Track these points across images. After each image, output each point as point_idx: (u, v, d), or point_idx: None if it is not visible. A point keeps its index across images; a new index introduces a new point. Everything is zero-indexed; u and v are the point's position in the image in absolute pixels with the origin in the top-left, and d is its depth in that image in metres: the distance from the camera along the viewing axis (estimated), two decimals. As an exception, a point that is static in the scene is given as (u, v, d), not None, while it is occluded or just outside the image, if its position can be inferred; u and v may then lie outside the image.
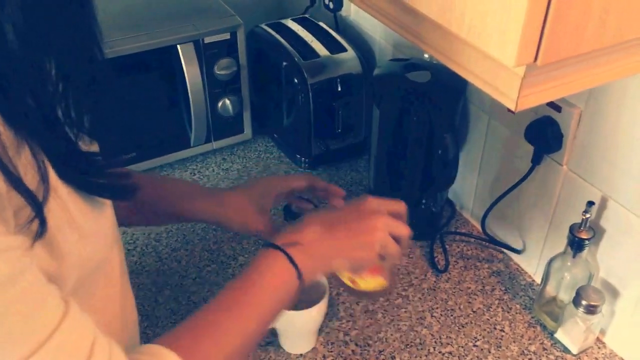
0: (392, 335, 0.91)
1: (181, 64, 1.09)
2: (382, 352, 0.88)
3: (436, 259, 1.03)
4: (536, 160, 0.90)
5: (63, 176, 0.48)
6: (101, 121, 0.53)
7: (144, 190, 0.65)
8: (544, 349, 0.89)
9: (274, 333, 0.88)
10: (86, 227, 0.51)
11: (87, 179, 0.51)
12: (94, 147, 0.55)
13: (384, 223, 0.68)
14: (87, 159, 0.51)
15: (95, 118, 0.52)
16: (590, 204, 0.81)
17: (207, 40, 1.10)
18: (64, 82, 0.47)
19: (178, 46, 1.08)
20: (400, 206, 0.72)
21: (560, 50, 0.48)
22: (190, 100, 1.12)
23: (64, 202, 0.48)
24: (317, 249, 0.66)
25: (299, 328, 0.86)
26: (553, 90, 0.53)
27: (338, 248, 0.67)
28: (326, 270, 0.72)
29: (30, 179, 0.44)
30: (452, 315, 0.94)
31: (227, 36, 1.12)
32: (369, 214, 0.68)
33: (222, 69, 1.14)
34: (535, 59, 0.47)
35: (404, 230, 0.69)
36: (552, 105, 0.85)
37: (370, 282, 0.76)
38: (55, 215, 0.47)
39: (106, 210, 0.55)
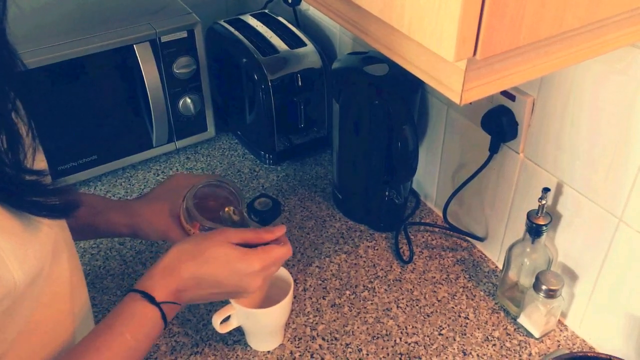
0: (358, 328, 0.91)
1: (138, 64, 1.08)
2: (349, 345, 0.89)
3: (401, 250, 1.03)
4: (493, 149, 0.91)
5: None
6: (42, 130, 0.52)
7: None
8: (508, 334, 0.91)
9: (240, 331, 0.88)
10: (8, 247, 0.49)
11: (20, 199, 0.50)
12: (39, 164, 0.54)
13: (263, 281, 0.70)
14: (21, 183, 0.50)
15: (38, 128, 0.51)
16: (546, 190, 0.82)
17: (164, 39, 1.09)
18: None
19: (134, 46, 1.07)
20: (275, 233, 0.72)
21: (498, 43, 0.48)
22: (150, 100, 1.11)
23: None
24: (190, 301, 0.69)
25: (265, 326, 0.86)
26: (497, 83, 0.54)
27: (213, 298, 0.71)
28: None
29: None
30: (417, 305, 0.95)
31: (184, 34, 1.11)
32: (246, 276, 0.68)
33: (180, 67, 1.13)
34: (475, 53, 0.48)
35: (283, 259, 0.71)
36: (506, 94, 0.86)
37: None
38: None
39: (41, 223, 0.54)
